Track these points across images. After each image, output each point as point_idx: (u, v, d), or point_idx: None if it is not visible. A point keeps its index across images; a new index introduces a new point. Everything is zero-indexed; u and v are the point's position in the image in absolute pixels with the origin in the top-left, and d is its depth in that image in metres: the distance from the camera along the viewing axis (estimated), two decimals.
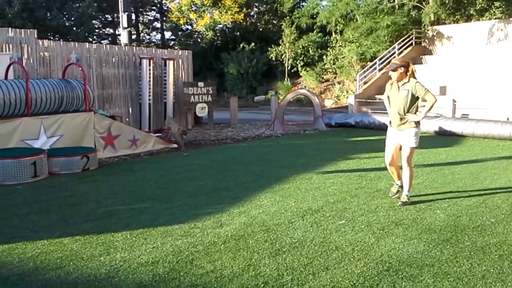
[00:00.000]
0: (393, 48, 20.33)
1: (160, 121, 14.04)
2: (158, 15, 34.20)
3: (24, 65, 10.10)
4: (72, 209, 5.73)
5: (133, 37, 30.28)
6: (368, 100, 17.94)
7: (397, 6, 21.59)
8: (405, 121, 5.50)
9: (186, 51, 15.77)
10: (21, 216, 5.44)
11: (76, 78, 10.56)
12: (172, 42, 32.95)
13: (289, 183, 6.88)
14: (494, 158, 8.70)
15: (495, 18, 20.40)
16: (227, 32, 29.10)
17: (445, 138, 11.40)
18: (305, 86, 22.77)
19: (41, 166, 7.51)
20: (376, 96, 18.29)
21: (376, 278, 3.65)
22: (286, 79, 24.27)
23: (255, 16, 30.87)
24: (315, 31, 24.95)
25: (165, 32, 33.75)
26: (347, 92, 21.36)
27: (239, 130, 13.88)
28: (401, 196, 5.74)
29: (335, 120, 14.50)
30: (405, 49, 20.82)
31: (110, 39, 32.84)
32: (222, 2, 26.22)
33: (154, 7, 34.11)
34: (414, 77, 5.52)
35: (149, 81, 13.30)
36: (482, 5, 21.16)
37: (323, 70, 23.95)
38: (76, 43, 12.63)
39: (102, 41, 31.17)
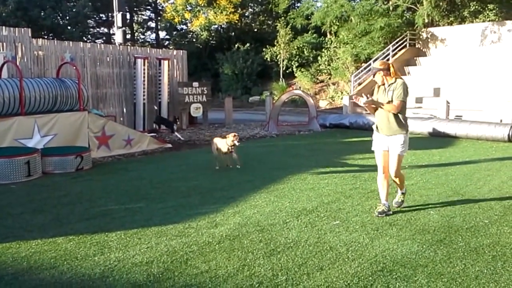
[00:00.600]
0: (388, 50, 20.41)
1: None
2: (152, 15, 34.15)
3: (18, 64, 10.05)
4: (66, 208, 5.71)
5: (128, 36, 30.22)
6: None
7: (391, 8, 21.67)
8: (394, 129, 5.13)
9: (181, 51, 15.75)
10: (15, 215, 5.41)
11: (70, 77, 10.52)
12: (167, 42, 32.91)
13: (283, 184, 6.89)
14: (488, 159, 8.76)
15: (489, 20, 20.53)
16: (222, 32, 29.10)
17: (438, 139, 11.46)
18: (299, 87, 22.80)
19: (34, 166, 7.48)
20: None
21: (370, 278, 3.66)
22: (281, 79, 24.30)
23: (250, 16, 30.88)
24: (310, 32, 25.02)
25: (160, 32, 33.72)
26: (342, 93, 21.42)
27: (233, 131, 13.86)
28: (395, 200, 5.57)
29: (329, 121, 14.53)
30: (399, 50, 20.91)
31: (104, 38, 32.75)
32: (217, 2, 26.22)
33: (149, 7, 34.06)
34: (400, 77, 5.27)
35: (144, 80, 13.27)
36: (476, 7, 21.30)
37: (318, 71, 24.01)
38: (71, 42, 12.59)
39: (96, 41, 31.07)
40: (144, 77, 13.27)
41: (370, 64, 19.86)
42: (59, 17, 26.51)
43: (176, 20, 28.09)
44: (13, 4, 22.68)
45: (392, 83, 5.17)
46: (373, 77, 5.28)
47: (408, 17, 21.86)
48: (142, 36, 35.57)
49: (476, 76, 17.28)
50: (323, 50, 23.97)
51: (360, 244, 4.37)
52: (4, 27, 10.85)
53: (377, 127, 5.36)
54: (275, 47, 24.61)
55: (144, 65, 13.27)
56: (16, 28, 11.05)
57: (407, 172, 7.45)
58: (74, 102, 9.37)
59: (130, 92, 13.51)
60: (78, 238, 4.62)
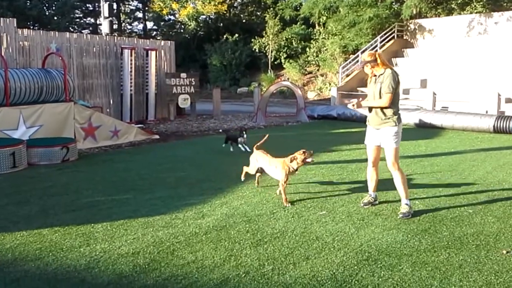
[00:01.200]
0: (375, 41, 20.45)
1: (141, 112, 13.92)
2: (140, 5, 33.79)
3: (3, 54, 9.90)
4: (51, 200, 5.67)
5: (115, 27, 29.87)
6: (350, 93, 18.04)
7: None
8: (381, 121, 4.98)
9: (169, 42, 15.64)
10: (0, 207, 5.36)
11: (56, 68, 10.39)
12: (154, 33, 32.64)
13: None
14: (473, 150, 8.85)
15: (476, 12, 20.65)
16: (210, 23, 28.92)
17: (425, 130, 11.55)
18: (288, 78, 22.80)
19: (20, 157, 7.40)
20: (358, 88, 18.42)
21: (355, 267, 3.70)
22: (269, 71, 24.26)
23: (239, 7, 30.72)
24: (298, 23, 24.98)
25: (147, 22, 33.42)
26: (330, 84, 21.46)
27: (222, 122, 13.85)
28: (400, 206, 5.03)
29: (317, 112, 14.57)
30: (387, 42, 20.97)
31: (91, 28, 32.38)
32: None
33: None
34: (389, 67, 5.01)
35: (131, 71, 13.17)
36: None
37: (306, 62, 24.01)
38: (57, 32, 12.43)
39: (83, 31, 30.71)
40: (131, 67, 13.16)
41: (358, 56, 19.90)
42: (45, 7, 26.13)
43: (164, 11, 27.84)
44: None
45: (381, 74, 4.95)
46: (363, 69, 5.14)
47: (396, 8, 21.90)
48: (129, 27, 35.24)
49: (462, 67, 17.41)
50: (312, 41, 23.97)
51: (346, 233, 4.41)
52: None
53: (368, 120, 5.23)
54: (264, 38, 24.54)
55: (131, 55, 13.15)
56: (1, 18, 10.87)
57: None
58: (60, 93, 9.26)
59: (117, 83, 13.40)
60: (64, 229, 4.59)
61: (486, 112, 12.41)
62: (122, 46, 13.33)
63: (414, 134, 10.76)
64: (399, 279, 3.48)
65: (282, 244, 4.19)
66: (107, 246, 4.17)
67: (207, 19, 28.73)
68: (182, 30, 28.85)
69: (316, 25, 24.41)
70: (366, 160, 5.48)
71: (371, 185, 5.33)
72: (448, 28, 20.47)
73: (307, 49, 23.87)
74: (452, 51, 18.91)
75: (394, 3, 22.09)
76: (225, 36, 25.95)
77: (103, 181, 6.62)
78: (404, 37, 21.94)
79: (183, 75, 14.72)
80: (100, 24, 23.48)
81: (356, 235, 4.37)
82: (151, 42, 15.38)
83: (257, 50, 24.90)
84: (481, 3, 21.02)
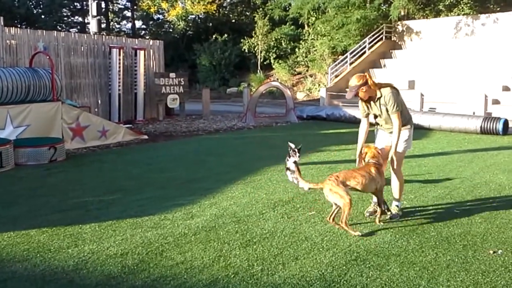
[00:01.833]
0: (364, 42, 20.56)
1: (130, 112, 13.84)
2: (128, 4, 33.57)
3: None
4: (39, 200, 5.62)
5: (103, 26, 29.58)
6: (339, 93, 18.12)
7: (368, 0, 21.81)
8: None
9: (158, 41, 15.58)
10: None
11: (44, 67, 10.30)
12: (143, 32, 32.47)
13: (260, 175, 6.91)
14: (460, 151, 8.94)
15: (463, 14, 20.86)
16: (199, 22, 28.84)
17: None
18: (277, 79, 22.82)
19: (7, 157, 7.32)
20: (347, 89, 18.50)
21: (344, 267, 3.72)
22: (258, 71, 24.27)
23: (228, 7, 30.68)
24: (287, 24, 25.02)
25: (136, 21, 33.20)
26: (319, 85, 21.53)
27: (211, 122, 13.83)
28: (390, 207, 4.96)
29: (306, 112, 14.61)
30: (375, 43, 21.09)
31: (79, 27, 32.10)
32: None
33: None
34: (382, 86, 4.78)
35: (119, 71, 13.09)
36: (451, 0, 21.60)
37: (296, 63, 24.06)
38: (44, 31, 12.31)
39: (70, 30, 30.45)
40: (119, 67, 13.08)
41: (346, 57, 19.99)
42: (33, 6, 25.88)
43: (152, 10, 27.71)
44: None
45: (379, 97, 4.71)
46: (356, 95, 4.76)
47: (384, 9, 22.05)
48: (117, 26, 34.96)
49: (450, 69, 17.58)
50: (301, 42, 24.02)
51: (335, 234, 4.43)
52: None
53: (377, 124, 5.02)
54: (253, 39, 24.55)
55: (119, 55, 13.07)
56: None
57: None
58: (48, 92, 9.18)
59: (105, 83, 13.31)
60: (52, 230, 4.55)
61: (473, 113, 12.53)
62: (111, 45, 13.24)
63: None
64: (387, 279, 3.51)
65: (271, 245, 4.19)
66: (96, 247, 4.15)
67: (196, 18, 28.66)
68: (171, 30, 28.74)
69: (305, 25, 24.48)
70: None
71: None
72: (436, 29, 20.65)
73: (296, 49, 23.92)
74: (439, 52, 19.08)
75: (382, 5, 22.23)
76: (214, 36, 25.90)
77: (91, 182, 6.58)
78: (392, 39, 22.09)
79: (172, 75, 14.67)
80: (88, 23, 23.33)
81: (345, 235, 4.40)
82: (139, 42, 15.30)
83: (246, 50, 24.89)
84: (468, 5, 21.24)
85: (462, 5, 21.36)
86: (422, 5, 22.51)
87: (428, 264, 3.77)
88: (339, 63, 20.20)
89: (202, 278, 3.56)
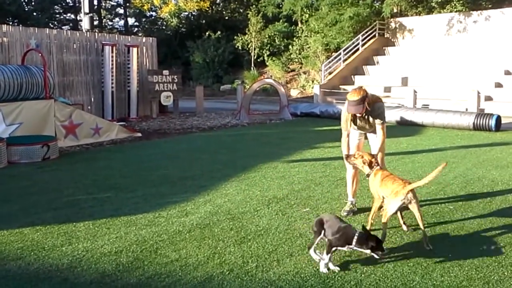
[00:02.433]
0: (357, 39, 20.60)
1: (123, 110, 13.78)
2: (121, 1, 33.38)
3: None
4: (32, 198, 5.59)
5: (95, 23, 29.47)
6: (333, 90, 18.15)
7: None
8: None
9: (151, 38, 15.51)
10: None
11: (36, 65, 10.23)
12: (136, 29, 32.30)
13: (254, 172, 6.91)
14: (453, 147, 8.99)
15: (456, 11, 20.94)
16: (192, 19, 28.74)
17: (406, 128, 11.68)
18: (271, 76, 22.82)
19: (0, 155, 7.27)
20: (341, 86, 18.54)
21: (338, 263, 3.73)
22: (252, 68, 24.24)
23: (221, 4, 30.59)
24: (281, 21, 24.99)
25: (129, 18, 33.02)
26: (313, 82, 21.55)
27: (204, 119, 13.80)
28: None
29: (300, 109, 14.62)
30: (368, 40, 21.14)
31: (71, 24, 31.89)
32: None
33: None
34: (378, 101, 4.76)
35: (112, 68, 13.02)
36: None
37: (289, 60, 24.06)
38: (36, 28, 12.22)
39: (63, 27, 30.24)
40: (112, 64, 13.01)
41: (340, 54, 20.02)
42: (24, 3, 25.67)
43: (145, 7, 27.57)
44: None
45: (370, 111, 4.66)
46: (357, 113, 4.61)
47: (377, 6, 22.08)
48: (110, 23, 34.76)
49: (443, 65, 17.66)
50: (294, 39, 24.01)
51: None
52: None
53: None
54: (247, 36, 24.50)
55: (112, 52, 13.00)
56: None
57: None
58: (40, 90, 9.12)
59: (97, 80, 13.24)
60: (45, 228, 4.53)
61: (466, 109, 12.59)
62: (103, 42, 13.17)
63: (395, 132, 10.87)
64: (381, 275, 3.53)
65: (266, 242, 4.20)
66: (90, 245, 4.13)
67: (189, 15, 28.55)
68: (164, 27, 28.62)
69: (299, 22, 24.47)
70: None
71: (353, 187, 5.09)
72: (429, 26, 20.73)
73: (290, 46, 23.92)
74: (432, 49, 19.15)
75: (375, 2, 22.27)
76: (207, 33, 25.82)
77: (85, 180, 6.55)
78: (386, 36, 22.15)
79: (166, 72, 14.62)
80: (81, 20, 23.19)
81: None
82: (132, 39, 15.24)
83: (240, 48, 24.84)
84: (460, 2, 21.32)
85: (454, 2, 21.43)
86: (414, 2, 22.57)
87: (422, 259, 3.80)
88: (332, 60, 20.23)
89: (197, 275, 3.55)
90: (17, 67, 9.02)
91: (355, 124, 4.84)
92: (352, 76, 19.70)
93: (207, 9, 27.47)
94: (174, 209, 5.15)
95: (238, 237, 4.31)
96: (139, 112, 14.09)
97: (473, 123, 11.03)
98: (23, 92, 8.82)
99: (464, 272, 3.57)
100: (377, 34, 21.48)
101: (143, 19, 30.05)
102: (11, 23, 23.24)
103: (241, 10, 29.42)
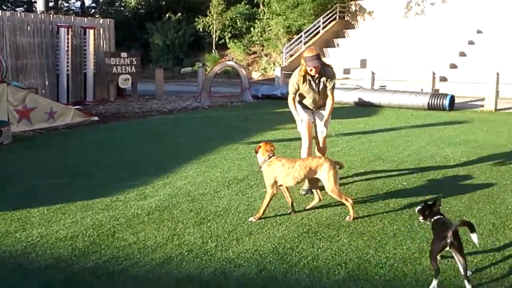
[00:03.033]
0: (318, 22, 20.69)
1: (79, 93, 13.42)
2: None
3: None
4: None
5: (50, 4, 28.38)
6: (294, 73, 18.19)
7: None
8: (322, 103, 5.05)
9: (108, 20, 15.09)
10: None
11: None
12: (93, 10, 31.31)
13: (215, 154, 6.90)
14: (408, 126, 9.24)
15: None
16: (151, 1, 28.07)
17: (364, 108, 11.91)
18: (232, 58, 22.66)
19: None
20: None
21: (296, 240, 3.80)
22: (213, 50, 23.99)
23: None
24: (242, 3, 24.77)
25: (85, 0, 31.95)
26: (274, 64, 21.56)
27: (165, 102, 13.61)
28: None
29: (262, 92, 14.63)
30: (329, 23, 21.27)
31: (25, 6, 30.58)
32: None
33: None
34: (324, 64, 4.96)
35: (67, 51, 12.64)
36: None
37: (251, 42, 23.93)
38: None
39: (16, 8, 28.98)
40: (67, 47, 12.62)
41: (301, 36, 20.08)
42: None
43: None
44: None
45: (323, 74, 4.85)
46: (316, 68, 4.74)
47: None
48: (66, 4, 33.51)
49: (400, 47, 18.00)
50: (256, 21, 23.86)
51: (288, 208, 4.50)
52: None
53: (303, 106, 5.17)
54: (208, 18, 24.16)
55: (67, 34, 12.60)
56: None
57: (333, 139, 7.71)
58: None
59: (52, 63, 12.82)
60: None
61: (421, 90, 12.93)
62: (58, 24, 12.74)
63: (353, 112, 11.08)
64: (337, 249, 3.62)
65: (225, 222, 4.22)
66: (44, 230, 4.05)
67: None
68: (122, 8, 27.85)
69: (260, 4, 24.30)
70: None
71: None
72: (387, 9, 21.02)
73: (252, 29, 23.77)
74: (391, 31, 19.47)
75: None
76: (167, 15, 25.30)
77: (39, 165, 6.38)
78: (346, 18, 22.33)
79: (124, 54, 14.28)
80: (35, 2, 22.30)
81: (297, 209, 4.48)
82: (89, 20, 14.77)
83: (201, 30, 24.49)
84: None
85: None
86: None
87: (376, 233, 3.91)
88: (293, 42, 20.26)
89: (155, 257, 3.54)
90: None
91: (306, 87, 4.93)
92: None
93: None
94: (132, 192, 5.09)
95: (197, 218, 4.31)
96: (96, 96, 13.74)
97: (428, 103, 11.35)
98: None
99: (416, 244, 3.70)
100: (337, 17, 21.63)
101: (100, 0, 29.15)
102: None
103: None
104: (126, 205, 4.70)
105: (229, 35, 24.23)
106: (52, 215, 4.41)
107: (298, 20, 21.35)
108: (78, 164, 6.43)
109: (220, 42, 24.36)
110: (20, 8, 29.71)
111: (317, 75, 4.85)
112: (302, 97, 5.10)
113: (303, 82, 4.94)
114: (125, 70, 14.07)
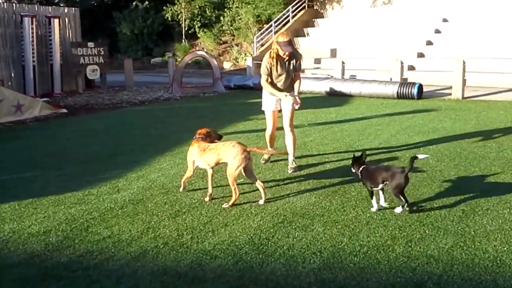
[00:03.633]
0: (287, 11, 20.70)
1: (46, 85, 13.08)
2: None
3: None
4: None
5: None
6: None
7: None
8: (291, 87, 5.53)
9: (73, 8, 14.75)
10: None
11: None
12: None
13: (188, 146, 6.84)
14: (378, 115, 9.40)
15: None
16: None
17: (335, 98, 12.03)
18: (203, 48, 22.47)
19: None
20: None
21: (271, 230, 3.84)
22: (183, 40, 23.73)
23: None
24: None
25: None
26: (245, 54, 21.50)
27: (135, 94, 13.42)
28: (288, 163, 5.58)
29: (233, 82, 14.60)
30: (298, 12, 21.31)
31: None
32: None
33: None
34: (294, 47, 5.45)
35: (32, 41, 12.29)
36: None
37: (221, 32, 23.75)
38: None
39: None
40: (32, 37, 12.27)
41: (271, 25, 20.06)
42: None
43: None
44: None
45: (292, 56, 5.34)
46: (290, 51, 5.22)
47: None
48: None
49: (369, 37, 18.21)
50: (226, 10, 23.68)
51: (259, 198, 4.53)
52: None
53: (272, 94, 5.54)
54: (176, 6, 23.82)
55: (32, 24, 12.25)
56: None
57: (306, 130, 7.78)
58: None
59: (17, 54, 12.45)
60: None
61: (390, 79, 13.13)
62: (22, 14, 12.36)
63: (325, 102, 11.19)
64: (312, 238, 3.68)
65: (200, 213, 4.23)
66: (16, 226, 3.97)
67: None
68: None
69: None
70: (280, 128, 5.66)
71: (272, 142, 5.93)
72: None
73: (221, 18, 23.58)
74: (359, 21, 19.65)
75: None
76: (134, 3, 24.82)
77: (8, 159, 6.22)
78: (315, 7, 22.41)
79: (91, 44, 13.99)
80: None
81: (272, 200, 4.52)
82: (53, 9, 14.38)
83: (169, 19, 24.15)
84: None
85: None
86: None
87: (350, 222, 3.99)
88: (264, 32, 20.23)
89: (130, 250, 3.53)
90: None
91: (278, 69, 5.34)
92: None
93: None
94: (105, 186, 5.03)
95: (172, 211, 4.30)
96: (63, 87, 13.43)
97: (397, 92, 11.56)
98: None
99: (389, 232, 3.79)
100: (306, 6, 21.68)
101: None
102: None
103: None
104: (99, 198, 4.65)
105: (199, 24, 23.97)
106: (24, 210, 4.32)
107: (267, 9, 21.30)
108: (47, 158, 6.30)
109: (190, 32, 24.08)
110: None
111: (287, 58, 5.30)
112: (272, 78, 5.47)
113: (276, 64, 5.33)
114: (93, 61, 13.79)
